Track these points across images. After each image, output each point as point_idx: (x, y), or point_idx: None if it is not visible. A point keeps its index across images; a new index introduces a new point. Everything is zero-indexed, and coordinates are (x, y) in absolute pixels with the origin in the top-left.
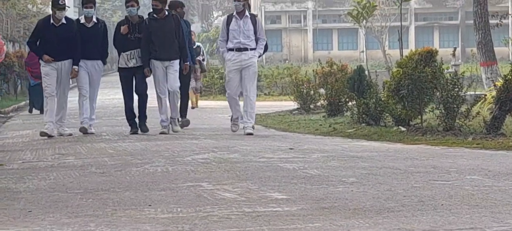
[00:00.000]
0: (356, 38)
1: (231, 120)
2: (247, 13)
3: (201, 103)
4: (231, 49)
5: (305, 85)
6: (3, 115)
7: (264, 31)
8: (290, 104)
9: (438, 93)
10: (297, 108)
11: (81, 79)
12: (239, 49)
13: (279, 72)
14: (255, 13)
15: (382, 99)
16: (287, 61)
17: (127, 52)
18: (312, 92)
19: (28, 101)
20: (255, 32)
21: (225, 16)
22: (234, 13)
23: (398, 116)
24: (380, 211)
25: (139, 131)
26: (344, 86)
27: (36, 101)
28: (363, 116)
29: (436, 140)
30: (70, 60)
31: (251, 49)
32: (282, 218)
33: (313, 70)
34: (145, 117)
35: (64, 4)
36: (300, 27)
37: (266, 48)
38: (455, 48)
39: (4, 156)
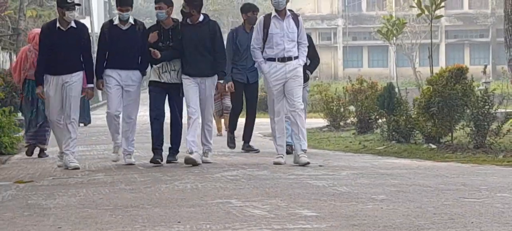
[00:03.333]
0: (387, 56)
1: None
2: (288, 12)
3: None
4: (271, 59)
5: (335, 102)
6: None
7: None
8: (320, 121)
9: (468, 111)
10: (327, 125)
11: (110, 94)
12: (282, 59)
13: (309, 89)
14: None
15: (412, 116)
16: (317, 78)
17: (158, 65)
18: (342, 109)
19: None
20: (298, 35)
21: (261, 17)
22: (274, 13)
23: (428, 133)
24: (410, 228)
25: (163, 162)
26: (374, 103)
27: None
28: (393, 133)
29: (466, 158)
30: (79, 73)
31: (295, 57)
32: None
33: (343, 88)
34: (177, 150)
35: (74, 2)
36: (330, 45)
37: (317, 63)
38: (485, 66)
39: (35, 172)
